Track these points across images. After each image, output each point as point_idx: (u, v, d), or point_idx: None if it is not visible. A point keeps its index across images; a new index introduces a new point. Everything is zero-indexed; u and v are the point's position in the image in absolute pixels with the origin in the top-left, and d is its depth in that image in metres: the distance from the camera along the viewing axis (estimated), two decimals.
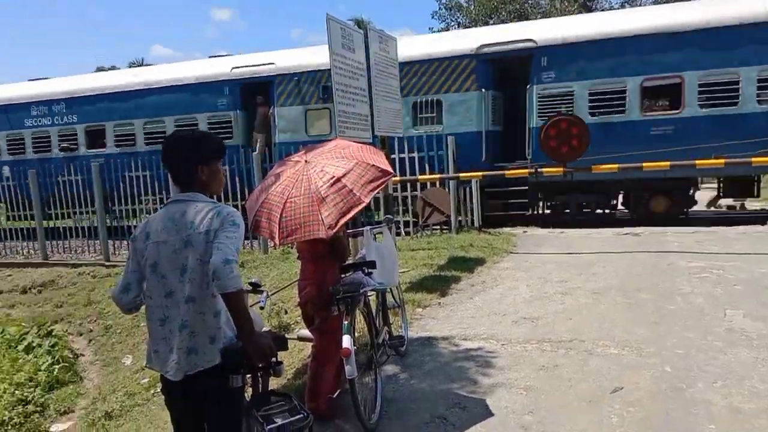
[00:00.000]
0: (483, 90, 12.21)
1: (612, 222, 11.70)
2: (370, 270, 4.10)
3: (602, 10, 26.90)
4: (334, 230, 3.57)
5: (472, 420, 3.81)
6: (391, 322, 4.90)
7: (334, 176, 3.66)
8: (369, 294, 4.18)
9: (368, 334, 4.21)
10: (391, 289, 4.99)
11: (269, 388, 2.72)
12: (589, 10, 28.05)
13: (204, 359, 2.53)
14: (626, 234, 10.16)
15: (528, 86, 11.91)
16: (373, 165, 3.79)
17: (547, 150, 9.52)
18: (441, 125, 12.46)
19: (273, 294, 6.72)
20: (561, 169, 9.60)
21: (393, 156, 10.66)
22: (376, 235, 4.80)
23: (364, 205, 3.65)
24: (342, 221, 3.59)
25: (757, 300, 5.87)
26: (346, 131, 6.49)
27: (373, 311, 4.40)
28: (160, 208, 2.77)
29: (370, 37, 7.45)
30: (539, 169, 9.94)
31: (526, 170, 10.47)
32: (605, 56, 11.32)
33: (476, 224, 11.21)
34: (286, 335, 4.77)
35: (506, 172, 10.66)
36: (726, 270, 7.05)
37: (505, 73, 12.76)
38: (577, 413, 3.83)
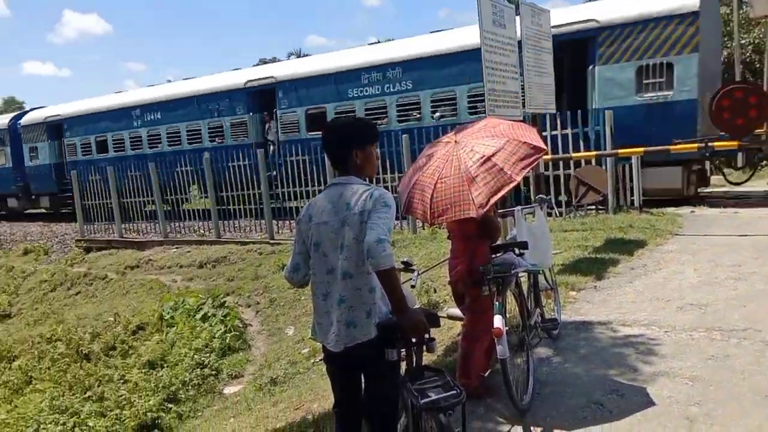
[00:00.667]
0: None
1: None
2: (521, 251, 4.05)
3: None
4: (485, 209, 3.56)
5: (631, 408, 3.64)
6: (543, 304, 4.80)
7: (484, 155, 3.65)
8: (520, 275, 4.12)
9: (519, 315, 4.16)
10: (543, 270, 4.88)
11: (423, 364, 2.79)
12: None
13: (361, 332, 2.67)
14: None
15: None
16: (525, 142, 3.72)
17: (719, 122, 8.68)
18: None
19: (423, 273, 6.83)
20: (735, 142, 8.73)
21: (545, 132, 10.30)
22: (527, 216, 4.70)
23: (515, 183, 3.60)
24: (492, 200, 3.57)
25: None
26: (496, 110, 6.36)
27: (524, 292, 4.34)
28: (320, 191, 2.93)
29: (522, 12, 7.23)
30: (709, 143, 9.10)
31: (695, 145, 9.62)
32: None
33: (636, 204, 10.54)
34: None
35: (671, 147, 9.87)
36: None
37: None
38: (750, 407, 3.52)
